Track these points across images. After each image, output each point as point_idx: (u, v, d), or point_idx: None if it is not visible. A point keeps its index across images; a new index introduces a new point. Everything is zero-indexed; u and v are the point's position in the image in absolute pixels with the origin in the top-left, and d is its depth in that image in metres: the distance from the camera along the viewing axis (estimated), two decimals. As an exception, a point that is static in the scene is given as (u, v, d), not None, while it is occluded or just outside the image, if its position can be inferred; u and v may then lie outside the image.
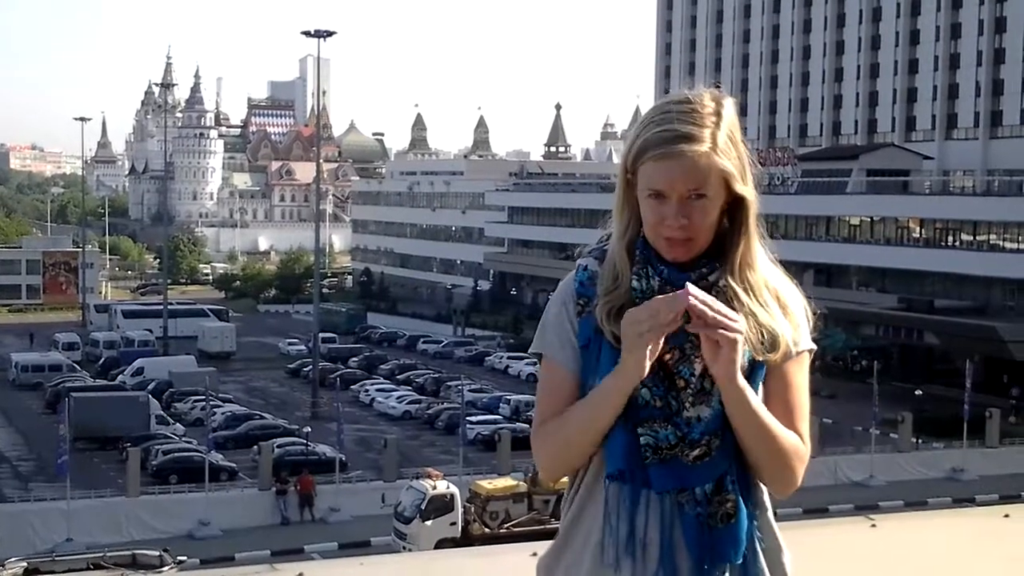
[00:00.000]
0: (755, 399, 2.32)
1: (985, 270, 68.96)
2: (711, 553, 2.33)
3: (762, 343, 2.37)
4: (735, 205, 2.38)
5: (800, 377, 2.44)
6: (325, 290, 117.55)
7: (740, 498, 2.35)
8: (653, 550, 2.33)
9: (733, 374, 2.27)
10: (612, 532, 2.35)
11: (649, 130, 2.36)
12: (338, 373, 71.50)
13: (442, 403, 64.13)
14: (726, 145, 2.35)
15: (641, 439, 2.33)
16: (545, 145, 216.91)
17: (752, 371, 2.36)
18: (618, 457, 2.35)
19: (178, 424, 58.31)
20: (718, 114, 2.36)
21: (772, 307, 2.39)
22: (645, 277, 2.37)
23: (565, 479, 2.50)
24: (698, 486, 2.33)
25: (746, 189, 2.38)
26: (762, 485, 2.42)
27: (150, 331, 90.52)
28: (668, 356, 2.34)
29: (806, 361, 2.46)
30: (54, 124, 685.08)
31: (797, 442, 2.38)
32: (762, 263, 2.43)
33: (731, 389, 2.29)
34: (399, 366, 79.55)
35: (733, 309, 2.34)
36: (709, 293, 2.34)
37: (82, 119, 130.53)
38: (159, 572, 29.35)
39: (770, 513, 2.44)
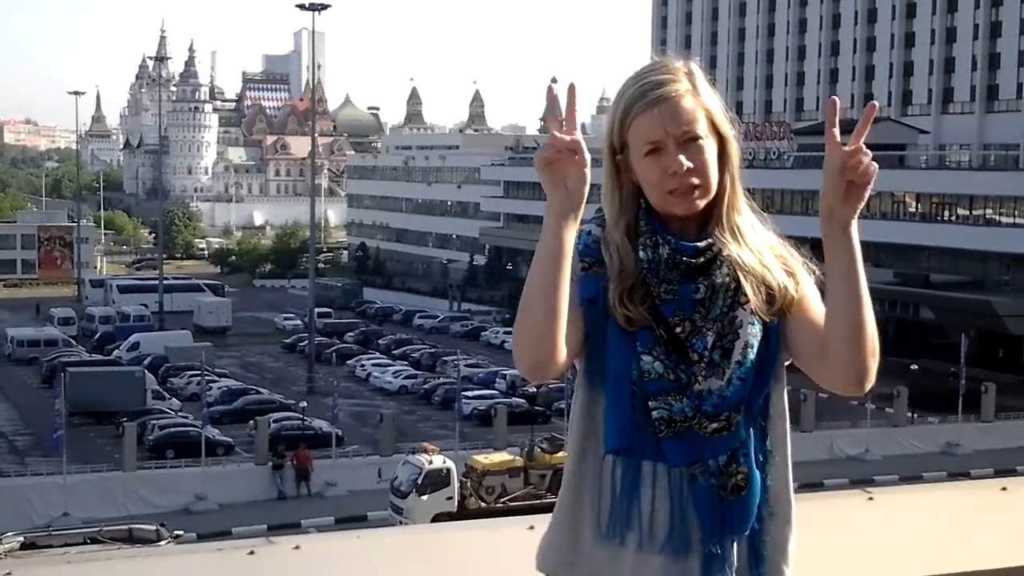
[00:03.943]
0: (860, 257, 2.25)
1: (981, 244, 69.02)
2: (721, 525, 2.32)
3: (767, 301, 2.34)
4: (720, 154, 2.35)
5: (817, 294, 2.38)
6: (321, 265, 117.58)
7: (753, 470, 2.34)
8: (661, 522, 2.31)
9: (851, 220, 2.22)
10: (616, 506, 2.33)
11: (625, 96, 2.35)
12: (334, 348, 71.56)
13: (438, 378, 64.19)
14: (705, 88, 2.35)
15: (654, 413, 2.29)
16: (541, 119, 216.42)
17: (767, 333, 2.34)
18: (621, 434, 2.32)
19: (174, 399, 58.34)
20: (688, 68, 2.36)
21: (765, 253, 2.37)
22: (652, 247, 2.34)
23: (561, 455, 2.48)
24: (712, 458, 2.31)
25: (730, 130, 2.37)
26: (776, 459, 2.38)
27: (146, 306, 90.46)
28: (679, 329, 2.31)
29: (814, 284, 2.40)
30: (48, 98, 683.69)
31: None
32: (747, 210, 2.40)
33: (845, 238, 2.22)
34: (395, 341, 79.59)
35: (735, 273, 2.33)
36: (714, 263, 2.33)
37: (76, 93, 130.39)
38: (156, 546, 29.41)
39: (791, 484, 2.42)
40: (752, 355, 2.32)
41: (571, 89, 2.20)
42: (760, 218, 2.43)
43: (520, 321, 2.27)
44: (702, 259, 2.33)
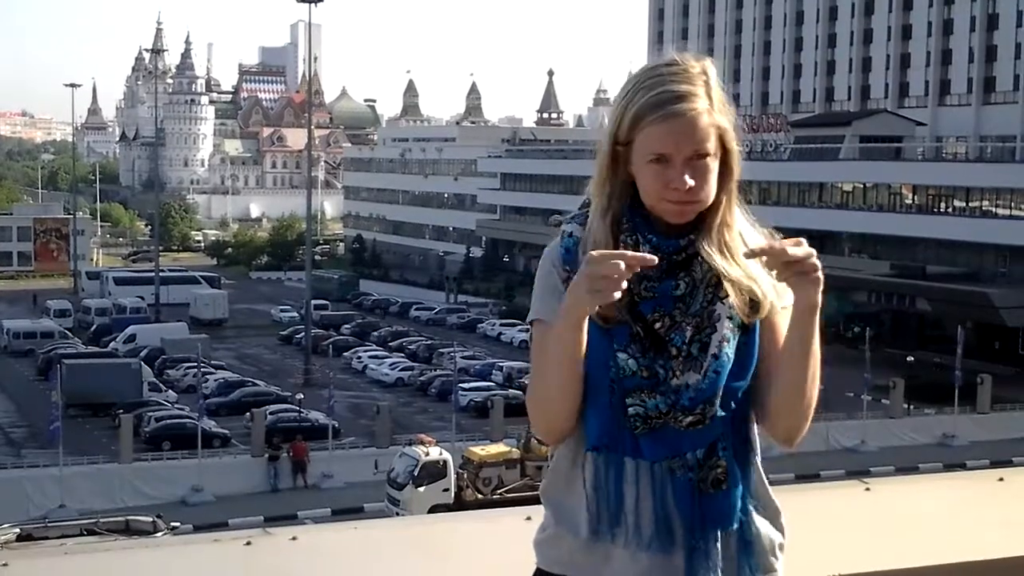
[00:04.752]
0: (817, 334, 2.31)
1: (977, 236, 69.06)
2: (702, 519, 2.31)
3: (747, 305, 2.34)
4: (722, 165, 2.34)
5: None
6: (317, 257, 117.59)
7: (732, 464, 2.33)
8: (646, 518, 2.32)
9: (817, 304, 2.25)
10: (603, 503, 2.33)
11: (641, 95, 2.30)
12: (330, 340, 71.51)
13: (435, 370, 64.21)
14: (720, 102, 2.33)
15: (630, 409, 2.29)
16: (538, 111, 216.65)
17: (747, 335, 2.34)
18: (601, 431, 2.32)
19: (170, 391, 58.36)
20: (705, 73, 2.33)
21: (750, 264, 2.34)
22: (633, 244, 2.33)
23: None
24: (690, 451, 2.31)
25: (735, 145, 2.35)
26: (755, 448, 2.40)
27: (142, 298, 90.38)
28: (659, 324, 2.30)
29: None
30: (44, 90, 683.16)
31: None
32: (739, 222, 2.39)
33: (811, 321, 2.27)
34: (391, 333, 79.58)
35: (714, 274, 2.32)
36: (694, 260, 2.32)
37: (72, 85, 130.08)
38: (152, 538, 29.39)
39: (763, 475, 2.42)
40: (728, 349, 2.31)
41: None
42: (750, 220, 2.42)
43: (536, 405, 2.36)
44: (683, 255, 2.34)
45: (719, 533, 2.33)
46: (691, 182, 2.28)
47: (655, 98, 2.29)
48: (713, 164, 2.31)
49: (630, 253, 2.21)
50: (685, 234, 2.34)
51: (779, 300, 2.37)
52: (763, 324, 2.37)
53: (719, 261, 2.33)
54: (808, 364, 2.30)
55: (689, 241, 2.33)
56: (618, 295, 2.17)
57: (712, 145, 2.30)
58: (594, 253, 2.20)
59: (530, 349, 2.45)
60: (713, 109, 2.31)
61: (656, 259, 2.22)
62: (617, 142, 2.35)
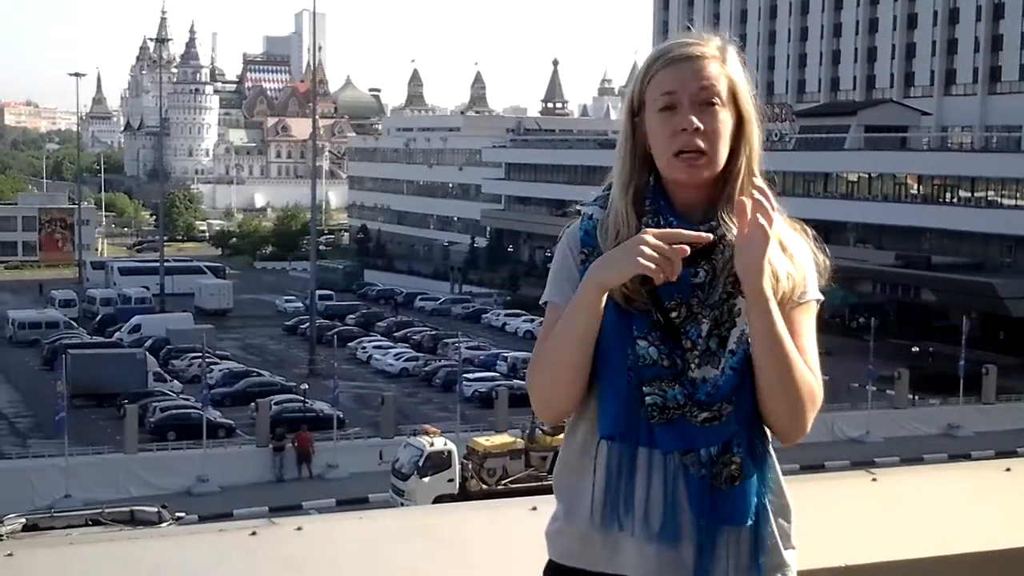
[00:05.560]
0: (780, 321, 2.23)
1: (983, 226, 68.98)
2: (714, 515, 2.29)
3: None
4: (737, 134, 2.33)
5: (808, 323, 2.35)
6: (322, 247, 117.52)
7: (747, 460, 2.30)
8: (656, 510, 2.29)
9: (760, 272, 2.21)
10: (613, 492, 2.31)
11: (651, 55, 2.36)
12: (335, 330, 71.59)
13: (439, 360, 64.22)
14: (734, 61, 2.35)
15: (647, 399, 2.26)
16: (542, 101, 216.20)
17: None
18: (616, 419, 2.29)
19: (175, 381, 58.43)
20: (722, 42, 2.36)
21: (772, 247, 2.29)
22: (655, 226, 2.30)
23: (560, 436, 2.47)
24: (704, 448, 2.28)
25: (752, 110, 2.34)
26: (769, 443, 2.37)
27: (147, 288, 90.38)
28: (674, 314, 2.28)
29: (813, 310, 2.37)
30: (49, 80, 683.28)
31: (813, 382, 2.28)
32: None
33: (757, 298, 2.22)
34: (396, 323, 79.57)
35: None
36: (717, 247, 2.28)
37: (77, 75, 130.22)
38: (158, 528, 29.45)
39: (779, 471, 2.40)
40: (746, 346, 2.28)
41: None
42: (787, 218, 2.38)
43: (540, 377, 2.34)
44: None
45: (730, 529, 2.31)
46: (698, 123, 2.27)
47: (664, 49, 2.34)
48: (724, 115, 2.30)
49: (689, 232, 2.21)
50: (706, 221, 2.32)
51: (801, 294, 2.34)
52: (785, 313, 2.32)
53: (734, 232, 2.29)
54: (773, 359, 2.24)
55: (710, 228, 2.31)
56: (666, 277, 2.19)
57: (722, 92, 2.30)
58: (652, 231, 2.21)
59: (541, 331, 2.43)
60: (725, 61, 2.33)
61: (711, 236, 2.23)
62: (633, 112, 2.36)
